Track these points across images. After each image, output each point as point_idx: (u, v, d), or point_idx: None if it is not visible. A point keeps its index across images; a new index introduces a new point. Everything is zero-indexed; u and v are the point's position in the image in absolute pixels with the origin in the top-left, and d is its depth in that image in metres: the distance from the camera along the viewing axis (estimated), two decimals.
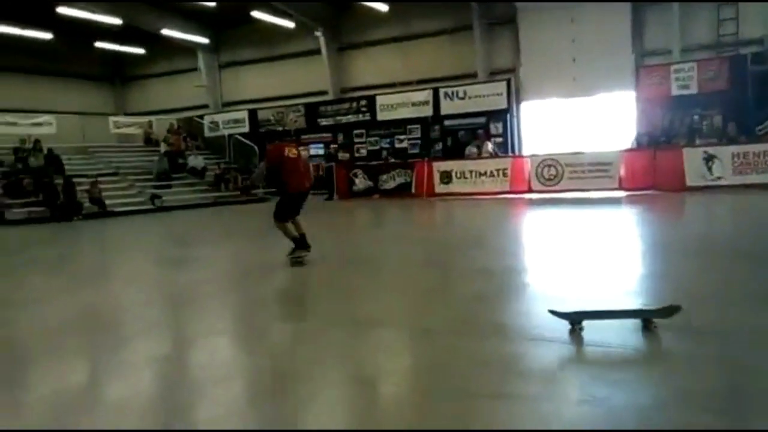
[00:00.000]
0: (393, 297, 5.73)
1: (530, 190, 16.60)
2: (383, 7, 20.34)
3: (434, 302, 5.37)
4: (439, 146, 20.63)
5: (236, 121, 24.31)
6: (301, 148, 10.51)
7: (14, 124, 20.10)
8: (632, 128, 18.19)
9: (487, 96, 19.80)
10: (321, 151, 22.66)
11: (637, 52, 18.49)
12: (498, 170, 17.07)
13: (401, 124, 21.21)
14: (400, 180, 18.64)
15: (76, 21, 21.12)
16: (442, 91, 20.46)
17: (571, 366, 3.55)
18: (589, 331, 3.93)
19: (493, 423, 2.84)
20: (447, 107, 20.38)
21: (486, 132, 19.39)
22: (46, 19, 21.47)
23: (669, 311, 3.99)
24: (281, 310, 5.71)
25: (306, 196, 7.83)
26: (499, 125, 19.82)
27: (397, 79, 21.86)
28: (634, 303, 4.80)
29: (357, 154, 21.96)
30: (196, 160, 22.29)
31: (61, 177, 17.87)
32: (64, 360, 4.23)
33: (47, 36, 22.46)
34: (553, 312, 4.17)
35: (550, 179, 16.37)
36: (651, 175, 15.24)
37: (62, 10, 19.72)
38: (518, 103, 20.17)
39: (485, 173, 17.21)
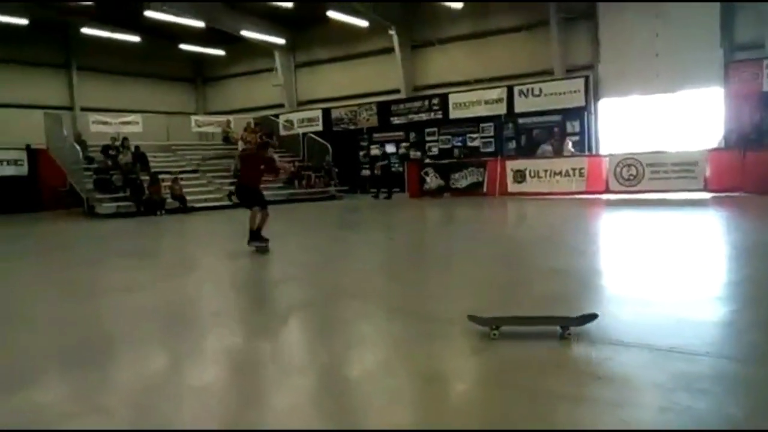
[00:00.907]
0: (465, 295, 5.68)
1: (608, 191, 16.06)
2: (457, 5, 20.18)
3: (507, 302, 5.28)
4: (512, 144, 20.28)
5: (310, 119, 24.78)
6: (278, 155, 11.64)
7: (105, 123, 21.31)
8: (719, 126, 17.26)
9: (563, 93, 19.30)
10: (393, 149, 22.78)
11: (726, 47, 17.49)
12: (574, 169, 16.61)
13: (474, 122, 20.98)
14: (472, 179, 18.47)
15: (162, 24, 22.14)
16: (516, 89, 20.09)
17: (651, 371, 3.40)
18: (673, 335, 3.76)
19: (574, 425, 2.77)
20: (521, 105, 20.00)
21: (561, 130, 18.92)
22: (134, 22, 22.63)
23: (584, 320, 4.00)
24: (351, 305, 5.77)
25: (250, 190, 8.94)
26: (576, 123, 19.27)
27: (470, 76, 21.64)
28: (721, 309, 4.57)
29: (429, 153, 21.90)
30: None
31: (147, 173, 18.78)
32: (156, 342, 4.45)
33: (135, 39, 23.68)
34: (471, 317, 4.19)
35: (629, 179, 15.78)
36: (739, 176, 14.41)
37: (150, 13, 20.71)
38: (596, 100, 19.54)
39: (560, 172, 16.79)
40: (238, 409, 3.16)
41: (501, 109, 20.30)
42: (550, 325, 4.07)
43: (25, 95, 22.57)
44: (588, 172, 16.43)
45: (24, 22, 20.78)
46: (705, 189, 14.79)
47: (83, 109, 23.74)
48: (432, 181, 19.34)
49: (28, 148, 20.86)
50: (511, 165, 17.78)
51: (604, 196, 16.00)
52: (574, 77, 19.43)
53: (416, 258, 8.52)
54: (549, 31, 19.83)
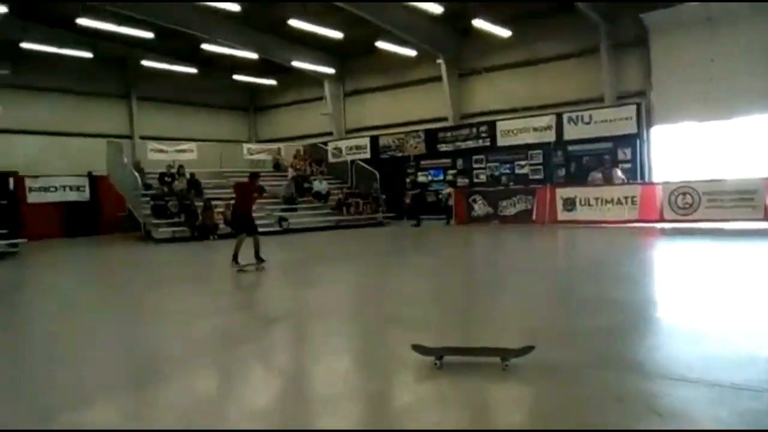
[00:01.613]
0: (512, 325, 5.64)
1: (662, 219, 15.66)
2: (505, 33, 20.29)
3: (561, 333, 5.23)
4: (561, 172, 20.06)
5: (358, 147, 25.13)
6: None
7: (162, 151, 22.10)
8: None
9: (614, 120, 19.03)
10: (440, 177, 22.84)
11: None
12: (626, 198, 16.29)
13: (522, 150, 20.87)
14: (520, 206, 18.33)
15: (217, 56, 23.01)
16: (565, 116, 19.94)
17: (714, 408, 3.31)
18: (736, 371, 3.65)
19: None
20: (571, 132, 19.82)
21: (612, 158, 18.63)
22: (192, 54, 23.58)
23: (523, 351, 4.10)
24: (396, 332, 5.80)
25: (244, 217, 10.61)
26: (628, 151, 18.93)
27: (518, 104, 21.61)
28: None
29: (476, 180, 21.87)
30: (320, 185, 23.25)
31: (201, 200, 19.35)
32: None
33: (192, 70, 24.63)
34: (416, 347, 4.27)
35: (684, 208, 15.36)
36: None
37: (206, 46, 21.56)
38: (648, 127, 19.19)
39: (612, 200, 16.49)
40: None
41: (550, 137, 20.15)
42: (491, 356, 4.13)
43: (89, 124, 23.66)
44: (641, 200, 16.08)
45: (89, 55, 21.92)
46: (765, 218, 14.26)
47: (142, 138, 24.71)
48: (480, 208, 19.28)
49: (89, 174, 21.78)
50: (561, 192, 17.58)
51: (658, 225, 15.62)
52: (626, 104, 19.17)
53: (462, 286, 8.49)
54: (599, 58, 19.67)
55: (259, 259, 10.32)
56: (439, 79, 23.10)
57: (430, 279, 9.23)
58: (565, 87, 20.56)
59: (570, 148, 19.95)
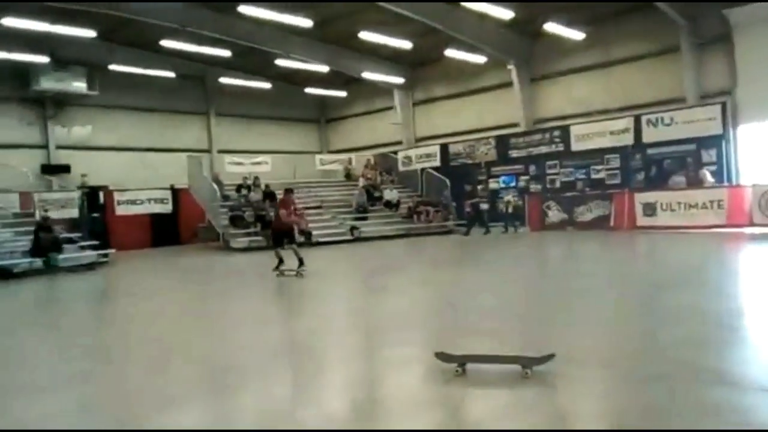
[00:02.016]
0: (596, 335, 5.45)
1: (752, 224, 14.78)
2: (578, 35, 19.79)
3: (644, 343, 5.01)
4: (640, 176, 19.28)
5: (428, 155, 25.08)
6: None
7: (239, 163, 22.87)
8: None
9: (697, 121, 18.12)
10: (512, 183, 22.48)
11: None
12: (712, 202, 15.47)
13: (598, 154, 20.22)
14: (597, 212, 17.78)
15: (290, 71, 23.65)
16: (644, 118, 19.16)
17: None
18: None
19: None
20: (650, 135, 19.02)
21: (696, 160, 17.76)
22: (266, 70, 24.36)
23: (543, 359, 4.14)
24: (472, 342, 5.72)
25: (284, 233, 11.62)
26: (712, 152, 17.97)
27: (593, 107, 20.99)
28: None
29: (549, 186, 21.38)
30: (390, 194, 23.40)
31: (275, 210, 19.84)
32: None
33: (267, 86, 25.42)
34: (438, 354, 4.38)
35: None
36: None
37: (280, 62, 22.23)
38: (734, 127, 18.17)
39: (696, 205, 15.71)
40: None
41: (628, 140, 19.41)
42: (512, 363, 4.20)
43: (170, 140, 24.80)
44: (728, 204, 15.24)
45: (171, 75, 23.05)
46: None
47: (220, 151, 25.67)
48: (554, 214, 18.85)
49: (172, 187, 22.80)
50: (640, 197, 16.91)
51: (748, 230, 14.74)
52: (709, 104, 18.25)
53: (538, 295, 8.28)
54: (679, 57, 18.84)
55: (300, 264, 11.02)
56: (509, 84, 22.79)
57: (505, 288, 9.07)
58: (643, 88, 19.80)
59: (649, 151, 19.15)
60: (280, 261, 11.25)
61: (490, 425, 3.42)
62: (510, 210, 20.54)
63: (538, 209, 19.37)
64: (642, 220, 16.68)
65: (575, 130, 20.82)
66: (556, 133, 21.42)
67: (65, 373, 5.16)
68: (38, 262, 14.46)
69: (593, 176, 20.29)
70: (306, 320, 7.27)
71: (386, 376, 4.65)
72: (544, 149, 21.69)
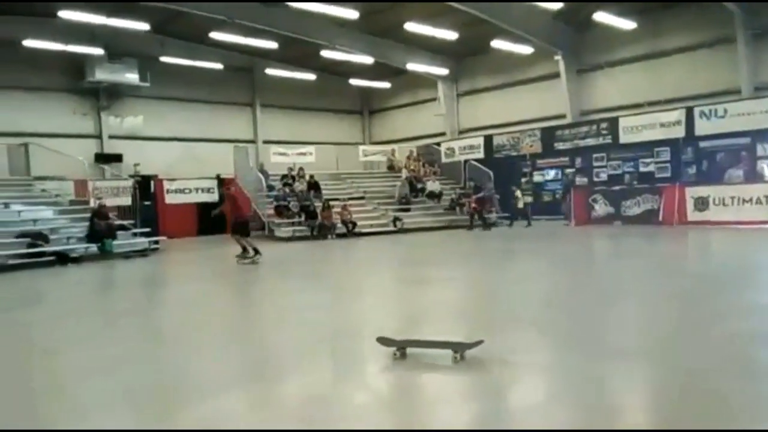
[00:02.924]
0: (647, 330, 5.38)
1: None
2: (629, 25, 19.32)
3: (697, 339, 4.92)
4: (692, 170, 18.77)
5: (472, 147, 24.94)
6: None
7: (283, 154, 23.17)
8: None
9: (753, 114, 17.49)
10: (558, 176, 22.18)
11: None
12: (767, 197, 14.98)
13: (647, 147, 19.76)
14: (645, 206, 17.40)
15: (335, 62, 23.80)
16: (696, 110, 18.62)
17: None
18: None
19: None
20: (703, 127, 18.47)
21: (750, 154, 17.19)
22: (311, 62, 24.56)
23: (474, 344, 4.42)
24: (521, 335, 5.70)
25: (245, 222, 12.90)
26: None
27: (642, 99, 20.49)
28: None
29: (596, 179, 21.00)
30: (433, 185, 23.37)
31: (319, 200, 20.10)
32: None
33: (311, 77, 25.64)
34: (380, 339, 4.67)
35: None
36: None
37: (325, 53, 22.39)
38: None
39: (751, 200, 15.23)
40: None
41: (679, 132, 18.90)
42: (446, 348, 4.48)
43: (217, 131, 25.26)
44: None
45: (219, 66, 23.48)
46: None
47: (265, 142, 26.03)
48: (601, 208, 18.53)
49: (218, 177, 23.25)
50: (692, 191, 16.49)
51: None
52: (766, 96, 17.60)
53: (583, 290, 8.18)
54: (733, 47, 18.23)
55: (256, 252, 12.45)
56: (556, 75, 22.44)
57: (550, 280, 9.00)
58: (696, 79, 19.24)
59: (701, 144, 18.63)
60: (244, 249, 12.50)
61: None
62: (520, 205, 20.74)
63: (583, 203, 19.06)
64: (693, 215, 16.27)
65: (624, 122, 20.39)
66: (604, 125, 21.03)
67: (119, 355, 5.37)
68: (93, 248, 14.97)
69: (642, 169, 19.88)
70: (351, 306, 7.37)
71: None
72: (591, 141, 21.32)
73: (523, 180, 22.31)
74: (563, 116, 22.51)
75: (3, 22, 18.91)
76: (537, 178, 22.56)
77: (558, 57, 21.93)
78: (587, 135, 21.46)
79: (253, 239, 13.14)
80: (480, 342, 4.45)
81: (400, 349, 4.56)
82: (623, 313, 6.27)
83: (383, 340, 4.68)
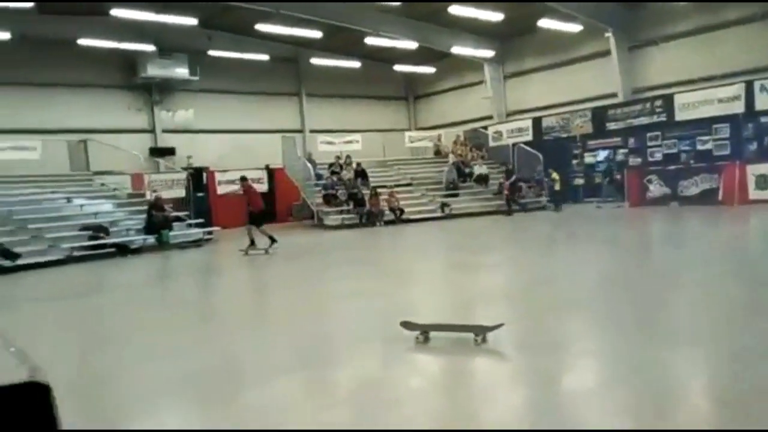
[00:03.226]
0: (703, 313, 5.22)
1: None
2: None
3: (757, 323, 4.75)
4: (753, 146, 17.97)
5: (520, 129, 24.54)
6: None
7: (330, 143, 23.35)
8: None
9: None
10: (610, 156, 21.63)
11: None
12: None
13: (704, 124, 19.01)
14: (704, 186, 16.81)
15: (379, 49, 23.72)
16: (757, 84, 17.79)
17: None
18: None
19: None
20: (764, 102, 17.63)
21: None
22: (355, 49, 24.56)
23: (494, 327, 4.49)
24: (576, 317, 5.60)
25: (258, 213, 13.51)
26: None
27: (698, 74, 19.64)
28: None
29: (650, 159, 20.36)
30: (480, 169, 23.13)
31: (367, 188, 20.19)
32: None
33: (356, 65, 25.65)
34: (404, 323, 4.75)
35: None
36: None
37: (369, 40, 22.36)
38: None
39: None
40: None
41: (738, 108, 18.10)
42: (467, 332, 4.57)
43: (265, 121, 25.57)
44: None
45: (265, 57, 23.75)
46: None
47: (312, 131, 26.25)
48: (656, 189, 18.00)
49: (267, 167, 23.62)
50: (753, 169, 15.84)
51: None
52: None
53: (633, 274, 7.98)
54: None
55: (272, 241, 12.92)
56: (606, 53, 21.74)
57: (607, 266, 8.82)
58: (754, 52, 18.29)
59: (763, 119, 17.80)
60: (252, 242, 13.01)
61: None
62: (557, 188, 20.54)
63: (637, 184, 18.56)
64: (755, 194, 15.65)
65: (679, 99, 19.67)
66: (658, 102, 20.34)
67: (180, 340, 5.55)
68: (151, 239, 15.48)
69: (699, 147, 19.14)
70: (402, 292, 7.40)
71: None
72: (644, 120, 20.66)
73: (574, 162, 21.83)
74: (614, 95, 21.85)
75: (59, 22, 19.56)
76: (588, 159, 22.03)
77: (608, 34, 21.21)
78: (640, 113, 20.80)
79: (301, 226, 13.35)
80: (500, 325, 4.50)
81: (423, 333, 4.64)
82: (683, 299, 6.09)
83: (407, 324, 4.75)
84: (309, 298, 7.77)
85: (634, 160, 20.65)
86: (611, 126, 21.66)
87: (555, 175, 20.88)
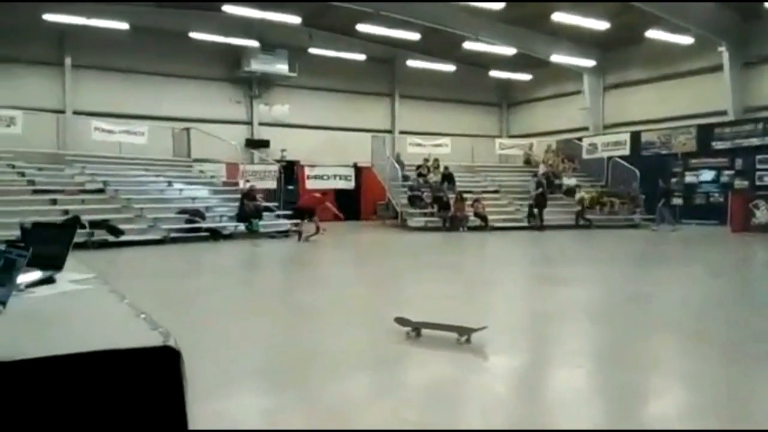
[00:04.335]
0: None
1: None
2: None
3: None
4: None
5: (616, 143, 23.60)
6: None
7: (419, 144, 23.39)
8: None
9: None
10: (712, 177, 20.45)
11: None
12: None
13: None
14: None
15: (475, 53, 23.53)
16: None
17: None
18: None
19: None
20: None
21: None
22: (451, 53, 24.48)
23: (476, 330, 4.84)
24: (670, 342, 5.32)
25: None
26: None
27: None
28: None
29: (758, 182, 19.05)
30: (569, 181, 22.47)
31: (453, 192, 20.08)
32: None
33: (451, 68, 25.56)
34: (398, 319, 5.15)
35: None
36: None
37: (467, 44, 22.22)
38: None
39: None
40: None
41: None
42: (452, 332, 4.90)
43: (355, 120, 25.94)
44: None
45: (362, 57, 24.14)
46: None
47: (401, 132, 26.40)
48: (763, 215, 16.82)
49: (355, 165, 23.97)
50: None
51: None
52: None
53: (747, 301, 7.48)
54: None
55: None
56: (717, 69, 20.49)
57: (701, 295, 8.35)
58: None
59: None
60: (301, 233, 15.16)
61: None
62: (586, 205, 19.63)
63: (742, 208, 17.41)
64: None
65: None
66: None
67: (263, 326, 5.73)
68: (241, 227, 16.11)
69: None
70: (476, 299, 7.32)
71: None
72: (755, 141, 19.40)
73: (673, 180, 20.78)
74: (723, 113, 20.59)
75: (175, 15, 20.75)
76: (689, 178, 20.90)
77: (722, 48, 20.00)
78: (751, 134, 19.52)
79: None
80: (484, 327, 4.89)
81: (415, 329, 5.06)
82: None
83: (401, 320, 5.14)
84: (386, 294, 7.83)
85: (741, 183, 19.39)
86: (717, 145, 20.46)
87: (583, 194, 19.95)
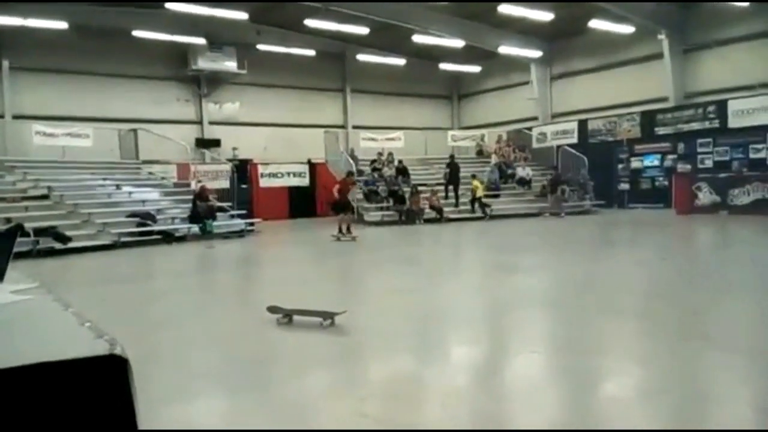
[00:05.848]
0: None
1: None
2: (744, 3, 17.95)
3: None
4: None
5: (565, 131, 24.17)
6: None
7: (373, 139, 23.43)
8: None
9: None
10: (656, 162, 21.12)
11: None
12: None
13: (760, 132, 18.37)
14: (756, 195, 16.30)
15: (425, 46, 23.67)
16: None
17: None
18: None
19: None
20: None
21: None
22: (401, 47, 24.56)
23: (338, 314, 5.31)
24: (626, 324, 5.50)
25: (339, 203, 14.47)
26: None
27: (755, 80, 19.01)
28: None
29: (700, 165, 19.80)
30: (523, 171, 22.87)
31: (408, 185, 20.17)
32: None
33: (401, 62, 25.64)
34: (270, 308, 5.56)
35: None
36: None
37: (416, 38, 22.31)
38: None
39: None
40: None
41: None
42: (317, 317, 5.36)
43: (308, 116, 25.74)
44: None
45: (312, 53, 23.97)
46: None
47: (355, 127, 26.35)
48: (705, 197, 17.51)
49: (309, 162, 23.83)
50: None
51: None
52: None
53: (694, 282, 7.78)
54: None
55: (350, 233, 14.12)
56: (658, 56, 21.18)
57: (654, 275, 8.64)
58: None
59: None
60: (340, 230, 14.09)
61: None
62: (478, 194, 19.92)
63: (686, 191, 18.08)
64: None
65: (733, 105, 19.09)
66: (711, 108, 19.78)
67: (226, 328, 5.65)
68: (195, 228, 15.80)
69: (752, 156, 18.54)
70: (438, 291, 7.41)
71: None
72: (695, 126, 20.13)
73: (620, 166, 21.40)
74: (665, 99, 21.31)
75: (117, 13, 20.15)
76: (635, 164, 21.56)
77: (662, 36, 20.65)
78: (692, 119, 20.25)
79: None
80: (344, 312, 5.33)
81: (286, 316, 5.48)
82: (719, 305, 5.91)
83: (272, 309, 5.53)
84: (346, 290, 7.83)
85: (683, 167, 20.10)
86: (660, 131, 21.15)
87: (476, 183, 20.37)
